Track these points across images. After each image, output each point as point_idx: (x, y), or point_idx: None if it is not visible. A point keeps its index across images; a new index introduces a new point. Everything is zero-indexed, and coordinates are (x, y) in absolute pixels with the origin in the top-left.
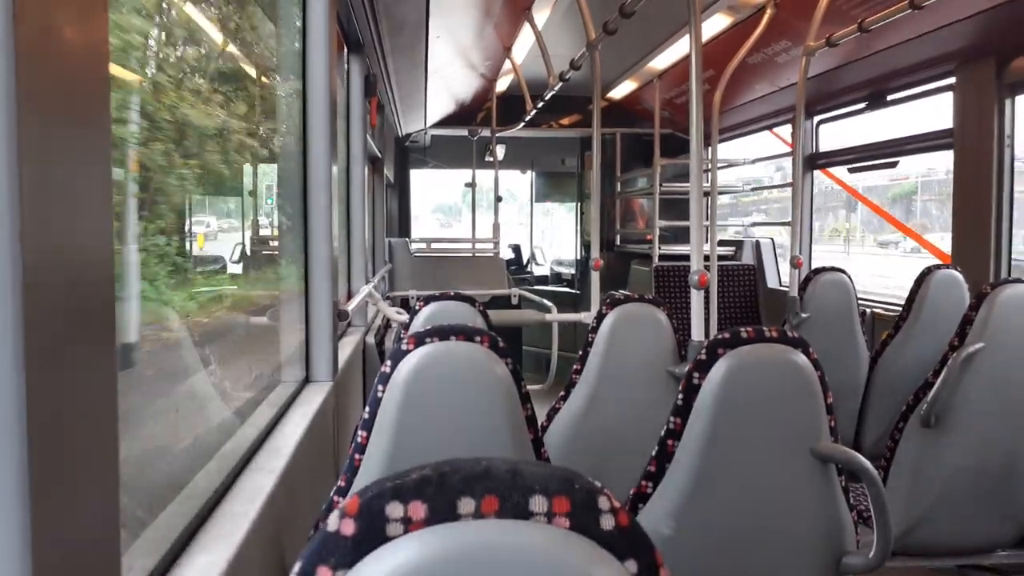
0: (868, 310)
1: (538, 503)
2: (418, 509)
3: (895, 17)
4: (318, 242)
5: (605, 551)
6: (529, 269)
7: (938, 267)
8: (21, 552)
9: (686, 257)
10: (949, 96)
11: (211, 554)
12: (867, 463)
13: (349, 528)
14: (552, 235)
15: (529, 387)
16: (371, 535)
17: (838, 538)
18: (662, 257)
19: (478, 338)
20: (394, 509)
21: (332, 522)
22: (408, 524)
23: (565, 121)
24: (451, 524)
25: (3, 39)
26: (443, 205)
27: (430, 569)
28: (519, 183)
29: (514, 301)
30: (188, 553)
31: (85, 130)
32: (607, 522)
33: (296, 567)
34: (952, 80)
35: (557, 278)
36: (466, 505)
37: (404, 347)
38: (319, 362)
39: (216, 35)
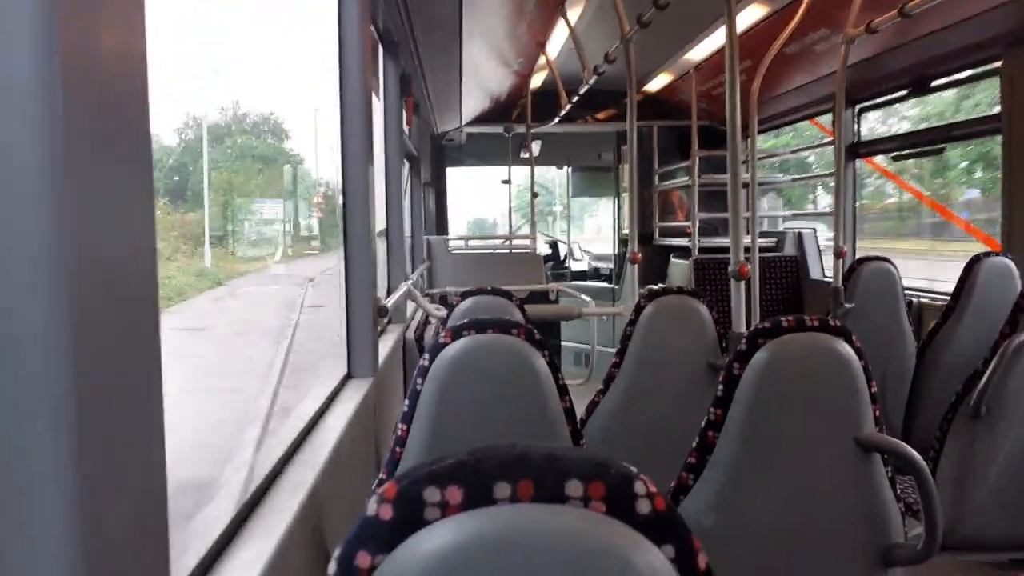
0: (915, 300)
1: (574, 487)
2: (455, 494)
3: (937, 1)
4: (357, 240)
5: (641, 535)
6: (567, 264)
7: (987, 255)
8: (71, 543)
9: (726, 250)
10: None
11: (256, 546)
12: (913, 453)
13: (387, 513)
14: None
15: (569, 382)
16: (409, 519)
17: (884, 529)
18: (702, 250)
19: (514, 331)
20: (431, 494)
21: (371, 507)
22: (445, 508)
23: (601, 115)
24: (487, 508)
25: (47, 54)
26: (479, 220)
27: (466, 553)
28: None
29: (552, 296)
30: (234, 545)
31: (127, 141)
32: (643, 507)
33: (336, 552)
34: (999, 64)
35: (596, 273)
36: (502, 489)
37: (442, 340)
38: (360, 358)
39: None
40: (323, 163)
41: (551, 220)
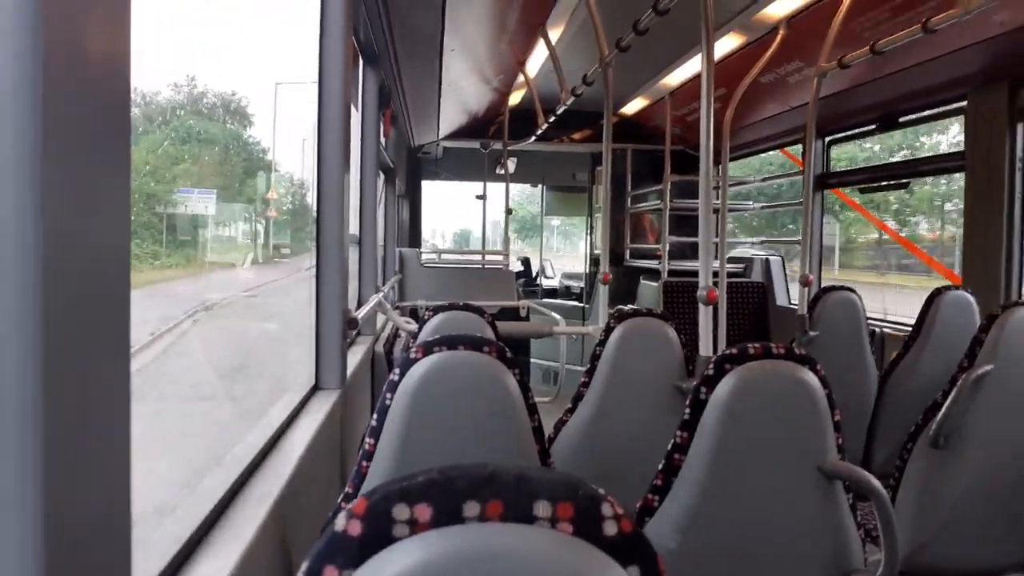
0: (877, 330)
1: (542, 508)
2: (424, 511)
3: (907, 40)
4: (329, 250)
5: (608, 557)
6: (539, 282)
7: (948, 288)
8: (33, 549)
9: (695, 273)
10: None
11: (219, 558)
12: (875, 481)
13: (356, 529)
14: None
15: (536, 399)
16: (377, 536)
17: (844, 556)
18: (671, 273)
19: (486, 348)
20: (400, 511)
21: (340, 522)
22: (414, 526)
23: (577, 136)
24: (456, 527)
25: (31, 48)
26: (464, 232)
27: (434, 571)
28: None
29: (523, 313)
30: (196, 556)
31: (106, 135)
32: (610, 528)
33: (303, 566)
34: (964, 104)
35: (567, 292)
36: (471, 508)
37: (412, 355)
38: (328, 370)
39: None
40: (284, 152)
41: (545, 235)
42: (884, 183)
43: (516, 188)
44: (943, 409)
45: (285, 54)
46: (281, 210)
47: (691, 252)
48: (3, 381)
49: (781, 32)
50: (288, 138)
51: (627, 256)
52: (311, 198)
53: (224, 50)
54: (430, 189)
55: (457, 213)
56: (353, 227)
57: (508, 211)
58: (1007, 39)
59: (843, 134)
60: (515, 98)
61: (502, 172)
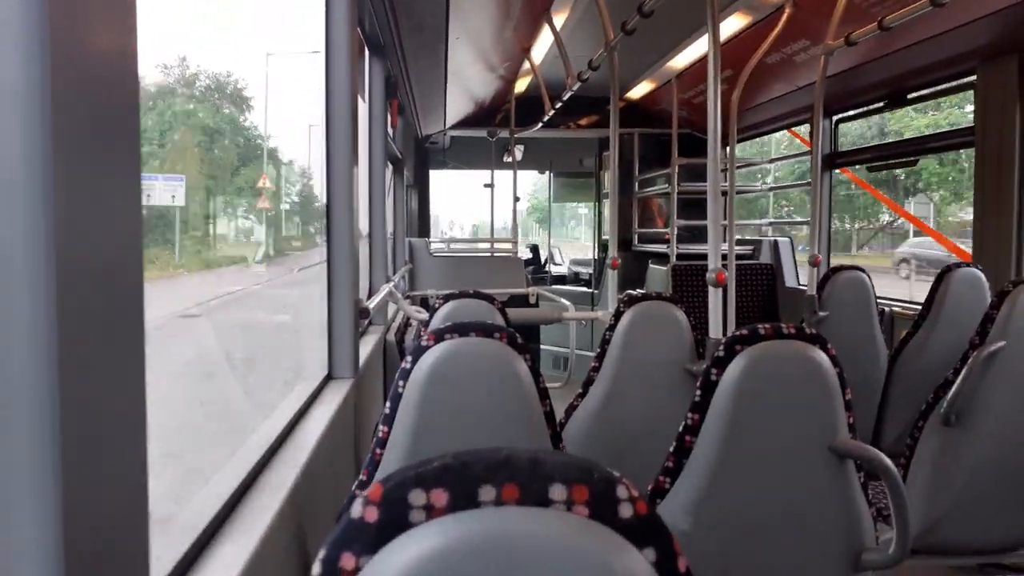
0: (887, 309)
1: (557, 491)
2: (440, 497)
3: (915, 15)
4: (340, 241)
5: (624, 539)
6: (547, 269)
7: (959, 265)
8: (52, 542)
9: (704, 256)
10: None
11: (236, 545)
12: (886, 459)
13: (372, 515)
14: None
15: (547, 385)
16: (394, 522)
17: (856, 535)
18: (680, 257)
19: (497, 334)
20: (416, 496)
21: (356, 509)
22: (430, 511)
23: (583, 121)
24: (472, 512)
25: (39, 48)
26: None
27: (451, 556)
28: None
29: (532, 300)
30: (214, 544)
31: (115, 135)
32: (626, 511)
33: (320, 553)
34: (974, 78)
35: (575, 278)
36: (487, 493)
37: (424, 343)
38: (341, 359)
39: None
40: (277, 128)
41: (572, 224)
42: (893, 161)
43: (531, 177)
44: (954, 386)
45: (282, 26)
46: (276, 201)
47: (700, 235)
48: (20, 377)
49: (787, 11)
50: (282, 114)
51: (635, 241)
52: (316, 186)
53: (210, 22)
54: (440, 179)
55: (466, 205)
56: (363, 218)
57: (516, 198)
58: (1016, 11)
59: (851, 112)
60: (521, 85)
61: (509, 160)
